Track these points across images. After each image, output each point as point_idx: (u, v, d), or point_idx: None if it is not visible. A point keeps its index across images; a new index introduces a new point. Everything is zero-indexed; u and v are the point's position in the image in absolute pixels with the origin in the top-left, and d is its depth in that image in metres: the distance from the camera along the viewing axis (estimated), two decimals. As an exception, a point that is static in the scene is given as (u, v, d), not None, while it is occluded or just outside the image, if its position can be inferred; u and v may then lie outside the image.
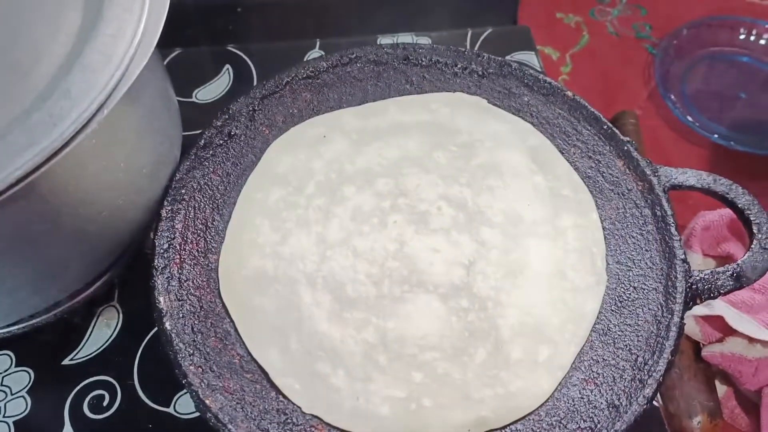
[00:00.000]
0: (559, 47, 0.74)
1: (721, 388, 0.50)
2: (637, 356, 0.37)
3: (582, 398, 0.36)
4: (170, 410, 0.41)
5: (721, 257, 0.53)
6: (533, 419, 0.35)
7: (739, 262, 0.39)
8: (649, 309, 0.38)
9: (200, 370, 0.35)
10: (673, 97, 0.66)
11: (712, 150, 0.64)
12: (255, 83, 0.58)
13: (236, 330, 0.37)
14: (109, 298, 0.45)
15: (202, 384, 0.35)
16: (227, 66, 0.59)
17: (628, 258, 0.41)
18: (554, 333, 0.38)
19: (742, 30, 0.72)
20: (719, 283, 0.39)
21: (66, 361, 0.42)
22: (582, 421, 0.35)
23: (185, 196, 0.41)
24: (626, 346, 0.37)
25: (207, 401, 0.34)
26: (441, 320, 0.38)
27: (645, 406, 0.35)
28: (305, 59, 0.59)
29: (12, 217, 0.29)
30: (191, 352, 0.36)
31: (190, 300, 0.38)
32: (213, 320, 0.38)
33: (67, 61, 0.30)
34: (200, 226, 0.41)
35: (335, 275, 0.39)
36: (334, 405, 0.35)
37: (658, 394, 0.44)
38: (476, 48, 0.62)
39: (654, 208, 0.42)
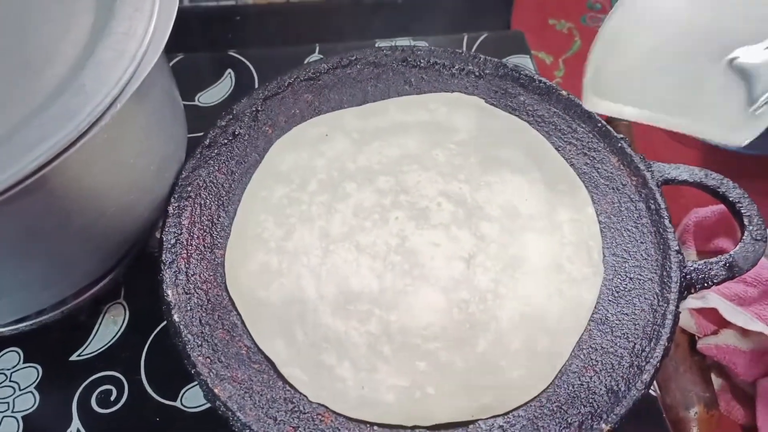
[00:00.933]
0: (552, 52, 0.76)
1: (716, 381, 0.51)
2: (635, 344, 0.38)
3: (582, 384, 0.37)
4: (177, 404, 0.41)
5: (713, 252, 0.54)
6: (534, 405, 0.36)
7: (731, 252, 0.40)
8: (645, 298, 0.39)
9: (209, 360, 0.36)
10: (664, 98, 0.68)
11: (703, 151, 0.66)
12: (256, 87, 0.59)
13: (243, 322, 0.38)
14: (116, 295, 0.46)
15: (211, 374, 0.35)
16: (229, 70, 0.60)
17: (624, 250, 0.42)
18: (553, 323, 0.39)
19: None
20: (712, 273, 0.40)
21: (73, 357, 0.43)
22: (582, 407, 0.36)
23: (191, 194, 0.42)
24: (624, 334, 0.38)
25: (216, 390, 0.35)
26: (442, 312, 0.39)
27: (643, 391, 0.36)
28: (304, 63, 0.60)
29: (27, 211, 0.30)
30: (199, 343, 0.36)
31: (197, 293, 0.39)
32: (220, 313, 0.38)
33: (80, 59, 0.31)
34: (206, 222, 0.42)
35: (339, 269, 0.40)
36: (340, 394, 0.36)
37: (656, 385, 0.45)
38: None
39: (648, 202, 0.43)
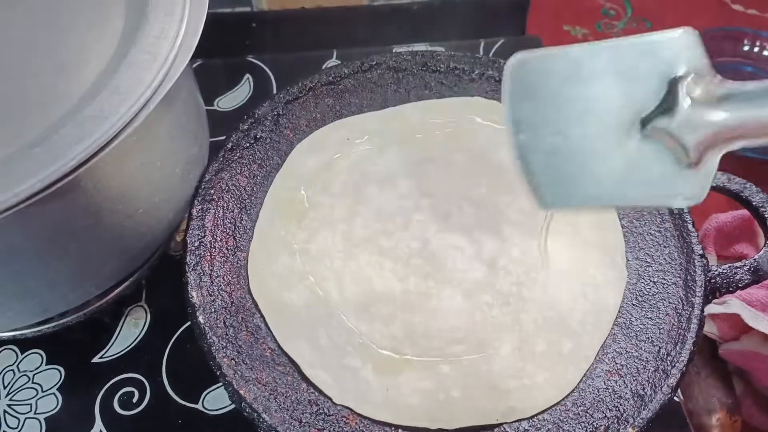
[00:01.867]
0: (567, 59, 0.76)
1: (737, 387, 0.51)
2: (660, 348, 0.37)
3: (607, 389, 0.36)
4: (198, 406, 0.41)
5: (733, 258, 0.54)
6: (560, 409, 0.36)
7: (755, 257, 0.40)
8: (669, 302, 0.39)
9: (233, 362, 0.36)
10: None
11: (724, 155, 0.65)
12: (275, 91, 0.59)
13: (267, 325, 0.38)
14: (137, 298, 0.46)
15: (236, 375, 0.35)
16: (247, 75, 0.60)
17: (647, 254, 0.42)
18: (577, 326, 0.39)
19: (745, 41, 0.74)
20: (737, 278, 0.40)
21: (96, 359, 0.43)
22: (608, 410, 0.35)
23: (214, 197, 0.42)
24: (648, 338, 0.38)
25: (241, 391, 0.35)
26: (465, 315, 0.39)
27: (669, 395, 0.35)
28: (323, 68, 0.61)
29: (60, 210, 0.30)
30: (224, 345, 0.37)
31: (221, 295, 0.39)
32: (244, 315, 0.38)
33: (114, 61, 0.31)
34: (229, 224, 0.42)
35: (361, 271, 0.40)
36: (365, 396, 0.36)
37: (679, 391, 0.45)
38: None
39: (671, 206, 0.43)
